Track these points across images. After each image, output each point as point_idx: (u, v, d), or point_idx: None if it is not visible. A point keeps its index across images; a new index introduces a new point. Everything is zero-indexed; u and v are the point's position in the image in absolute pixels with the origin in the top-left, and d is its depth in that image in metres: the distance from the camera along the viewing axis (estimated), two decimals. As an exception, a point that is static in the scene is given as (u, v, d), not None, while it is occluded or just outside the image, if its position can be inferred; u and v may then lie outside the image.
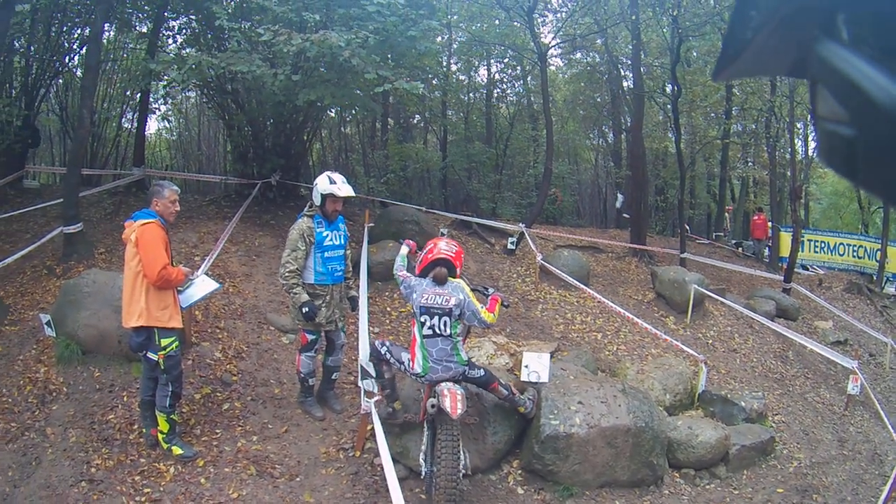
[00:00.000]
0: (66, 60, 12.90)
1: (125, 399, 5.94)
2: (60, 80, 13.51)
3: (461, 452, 4.65)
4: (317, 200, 5.62)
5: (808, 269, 18.79)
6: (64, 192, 9.07)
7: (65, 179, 9.52)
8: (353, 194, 5.88)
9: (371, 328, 6.13)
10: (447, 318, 4.75)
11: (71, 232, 8.46)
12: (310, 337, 5.74)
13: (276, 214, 10.94)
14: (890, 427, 7.86)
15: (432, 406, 4.65)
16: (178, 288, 5.37)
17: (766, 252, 19.24)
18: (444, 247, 4.96)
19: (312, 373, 5.96)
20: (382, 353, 5.07)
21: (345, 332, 6.09)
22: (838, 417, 8.66)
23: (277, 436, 5.76)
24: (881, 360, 12.11)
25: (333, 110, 15.68)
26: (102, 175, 12.91)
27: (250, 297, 8.19)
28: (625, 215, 18.12)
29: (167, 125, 20.89)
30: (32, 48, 11.78)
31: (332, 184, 5.53)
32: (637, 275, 13.24)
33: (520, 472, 5.58)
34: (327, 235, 5.64)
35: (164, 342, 5.03)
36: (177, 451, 5.26)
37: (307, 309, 5.38)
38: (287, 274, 5.48)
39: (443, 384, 4.72)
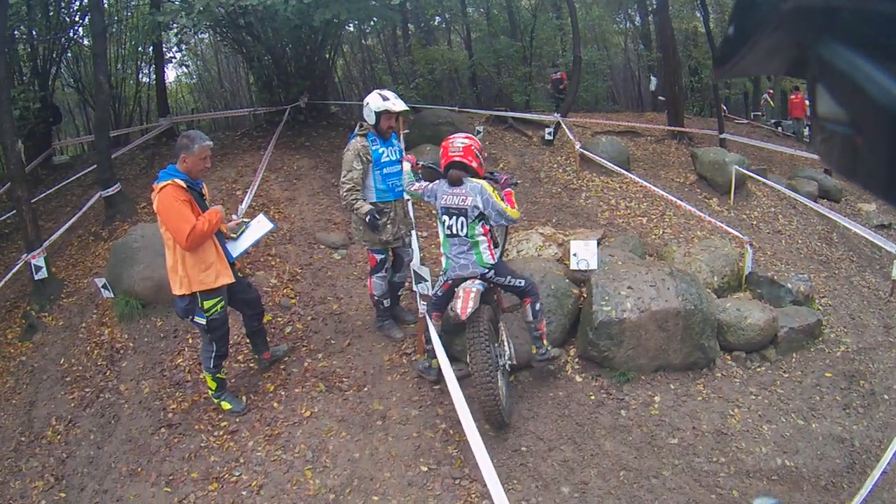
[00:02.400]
0: (72, 34, 12.75)
1: (190, 342, 6.09)
2: (69, 54, 13.38)
3: (496, 346, 4.74)
4: (370, 119, 5.48)
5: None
6: (96, 157, 9.10)
7: (95, 145, 9.56)
8: (408, 108, 5.83)
9: (419, 232, 6.16)
10: (463, 219, 4.74)
11: (110, 194, 8.59)
12: (378, 257, 5.71)
13: (309, 136, 10.97)
14: (937, 316, 7.57)
15: (451, 310, 4.73)
16: (232, 235, 5.18)
17: (806, 132, 18.52)
18: (452, 149, 4.86)
19: (386, 294, 5.91)
20: (431, 302, 5.09)
21: (411, 248, 6.03)
22: (884, 303, 8.37)
23: (341, 350, 5.92)
24: (927, 247, 11.63)
25: (352, 25, 15.38)
26: (130, 133, 12.99)
27: (297, 220, 8.30)
28: (660, 98, 17.62)
29: (185, 70, 20.87)
30: (34, 31, 11.72)
31: (385, 100, 5.41)
32: (677, 157, 13.01)
33: (577, 360, 5.67)
34: (383, 152, 5.55)
35: (206, 304, 4.80)
36: (226, 405, 5.23)
37: (371, 217, 5.29)
38: (345, 193, 5.42)
39: (461, 285, 4.73)
